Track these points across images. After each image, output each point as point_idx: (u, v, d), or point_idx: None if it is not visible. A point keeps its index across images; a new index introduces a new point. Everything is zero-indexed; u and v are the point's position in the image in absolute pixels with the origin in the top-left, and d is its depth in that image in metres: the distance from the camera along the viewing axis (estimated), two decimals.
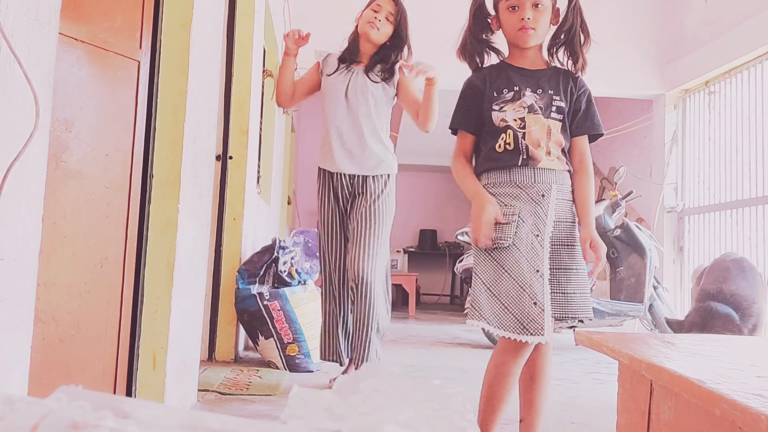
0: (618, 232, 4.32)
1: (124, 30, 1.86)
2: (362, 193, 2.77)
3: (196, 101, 2.19)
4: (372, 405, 0.52)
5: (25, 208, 1.15)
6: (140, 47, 1.94)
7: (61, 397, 0.49)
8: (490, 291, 1.67)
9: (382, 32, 2.76)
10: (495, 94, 1.77)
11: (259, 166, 4.27)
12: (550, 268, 1.67)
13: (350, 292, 2.76)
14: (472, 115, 1.80)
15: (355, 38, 2.85)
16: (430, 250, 8.54)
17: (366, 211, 2.74)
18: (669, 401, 1.11)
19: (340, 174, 2.78)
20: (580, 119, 1.80)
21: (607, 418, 2.49)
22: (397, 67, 2.78)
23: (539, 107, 1.74)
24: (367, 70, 2.79)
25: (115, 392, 1.88)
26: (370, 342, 2.73)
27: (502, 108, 1.74)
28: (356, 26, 2.86)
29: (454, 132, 1.84)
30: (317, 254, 3.48)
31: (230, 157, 3.43)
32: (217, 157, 3.28)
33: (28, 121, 1.11)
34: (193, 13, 2.11)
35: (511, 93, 1.75)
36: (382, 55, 2.80)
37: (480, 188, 1.74)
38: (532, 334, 1.60)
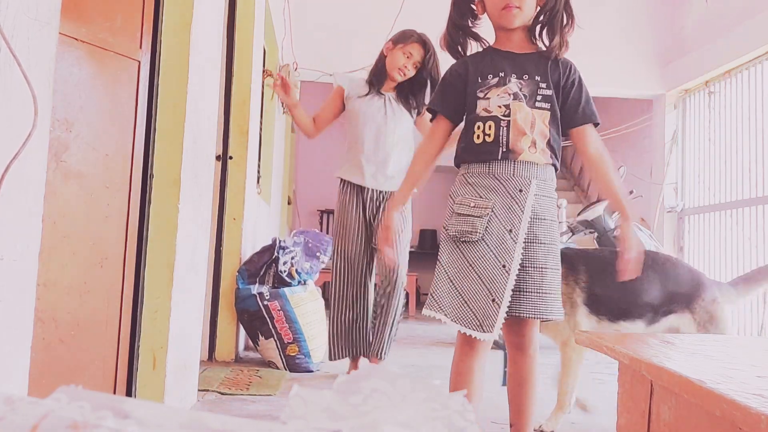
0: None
1: (124, 30, 1.87)
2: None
3: (196, 101, 2.19)
4: (372, 405, 0.52)
5: (25, 208, 1.15)
6: (140, 47, 1.94)
7: (61, 397, 0.49)
8: (453, 284, 1.64)
9: (407, 77, 2.98)
10: (479, 80, 1.70)
11: (259, 166, 4.27)
12: (525, 266, 1.63)
13: (369, 294, 3.04)
14: (450, 99, 1.77)
15: (382, 68, 3.01)
16: (430, 250, 8.53)
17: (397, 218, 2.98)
18: (669, 401, 1.11)
19: (370, 189, 2.98)
20: (572, 108, 1.71)
21: (607, 418, 2.49)
22: (423, 108, 2.97)
23: (524, 95, 1.67)
24: (400, 100, 3.02)
25: (115, 392, 1.88)
26: (392, 337, 3.02)
27: (486, 95, 1.68)
28: (383, 54, 3.02)
29: (433, 114, 1.81)
30: (317, 256, 3.49)
31: (230, 157, 3.43)
32: (217, 157, 3.28)
33: (28, 121, 1.11)
34: (193, 13, 2.11)
35: (496, 78, 1.68)
36: (408, 88, 3.03)
37: (402, 193, 1.85)
38: (485, 331, 1.58)
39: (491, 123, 1.66)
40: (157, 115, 2.04)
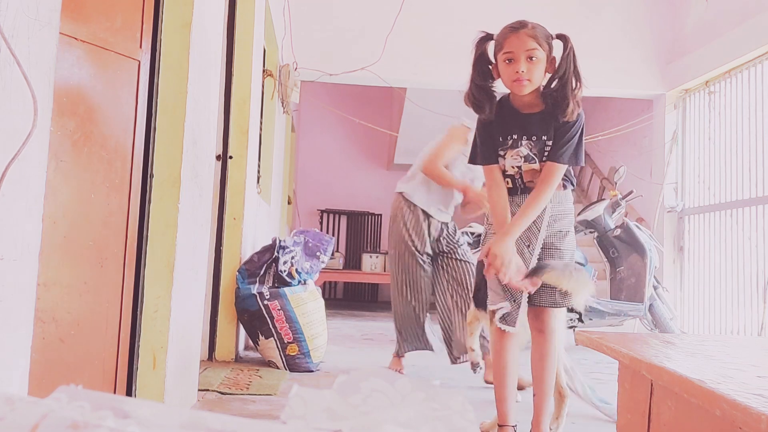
0: (618, 231, 4.32)
1: (124, 30, 1.86)
2: (448, 234, 3.28)
3: (196, 101, 2.19)
4: (372, 405, 0.52)
5: (25, 208, 1.15)
6: (140, 47, 1.94)
7: (61, 397, 0.49)
8: (488, 285, 2.08)
9: None
10: (501, 140, 2.01)
11: (259, 166, 4.27)
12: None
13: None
14: (488, 149, 2.04)
15: None
16: None
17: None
18: (669, 401, 1.11)
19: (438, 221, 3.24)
20: (553, 148, 1.97)
21: (607, 418, 2.49)
22: None
23: (534, 155, 1.98)
24: None
25: (115, 392, 1.88)
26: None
27: (504, 155, 2.01)
28: None
29: (482, 165, 2.09)
30: (317, 256, 3.49)
31: (230, 157, 3.43)
32: (217, 157, 3.28)
33: (28, 121, 1.11)
34: (193, 13, 2.11)
35: (511, 141, 1.99)
36: None
37: (512, 227, 1.97)
38: (508, 324, 2.00)
39: (509, 179, 2.03)
40: (157, 115, 2.04)
